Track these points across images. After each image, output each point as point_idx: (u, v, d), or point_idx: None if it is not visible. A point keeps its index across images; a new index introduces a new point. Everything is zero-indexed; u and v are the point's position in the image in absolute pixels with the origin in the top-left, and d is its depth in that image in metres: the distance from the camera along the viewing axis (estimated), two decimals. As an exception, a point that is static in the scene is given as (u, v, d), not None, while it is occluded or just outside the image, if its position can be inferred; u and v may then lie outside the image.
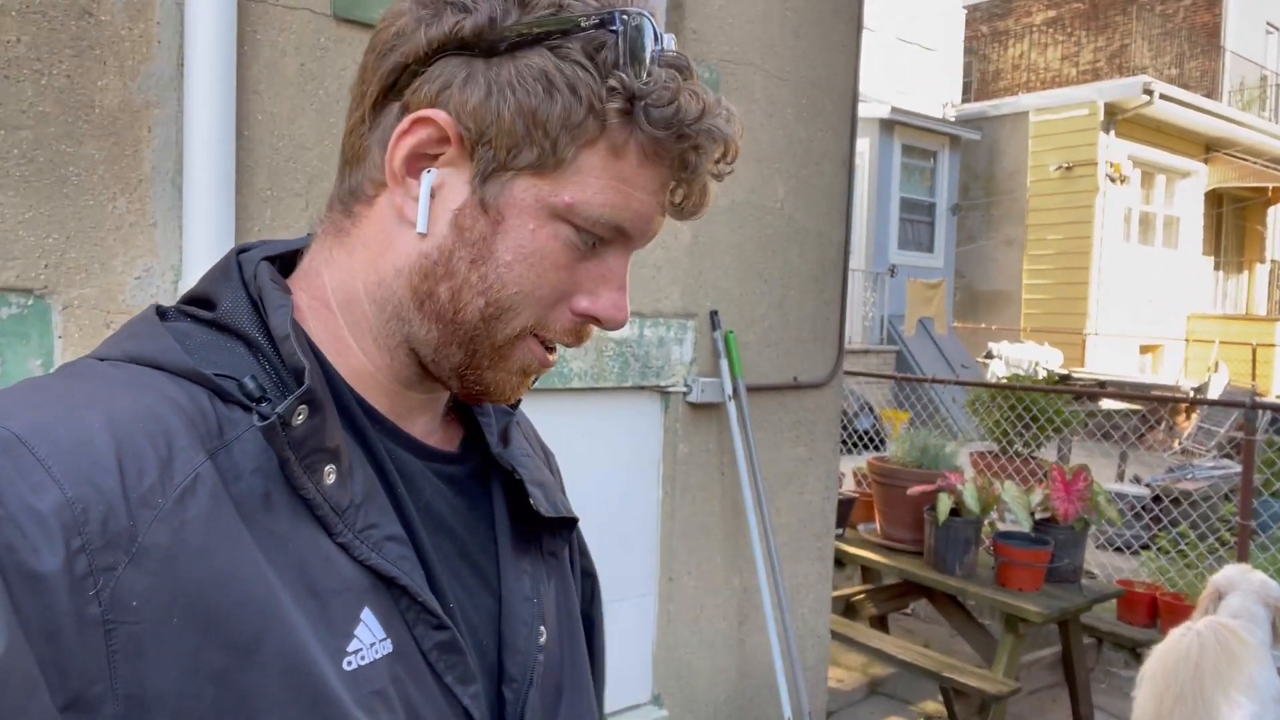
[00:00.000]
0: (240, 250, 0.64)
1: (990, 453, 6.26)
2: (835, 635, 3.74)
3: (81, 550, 0.45)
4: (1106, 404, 8.10)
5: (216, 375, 0.55)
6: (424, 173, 0.59)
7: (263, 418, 0.52)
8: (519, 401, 0.77)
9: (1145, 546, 5.33)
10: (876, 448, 8.02)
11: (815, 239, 3.16)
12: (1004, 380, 7.81)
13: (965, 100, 15.66)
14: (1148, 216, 13.91)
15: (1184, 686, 2.23)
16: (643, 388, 2.76)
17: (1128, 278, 13.23)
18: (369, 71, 0.61)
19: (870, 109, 11.34)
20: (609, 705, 2.65)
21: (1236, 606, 2.90)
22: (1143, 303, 13.54)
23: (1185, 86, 14.10)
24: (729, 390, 2.84)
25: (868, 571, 4.35)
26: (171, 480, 0.49)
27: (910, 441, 4.10)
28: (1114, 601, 4.26)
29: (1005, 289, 13.73)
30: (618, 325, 0.64)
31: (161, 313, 0.59)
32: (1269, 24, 16.84)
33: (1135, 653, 4.19)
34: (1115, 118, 12.68)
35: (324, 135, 2.04)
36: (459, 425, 0.72)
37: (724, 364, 2.84)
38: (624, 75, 0.57)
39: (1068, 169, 12.92)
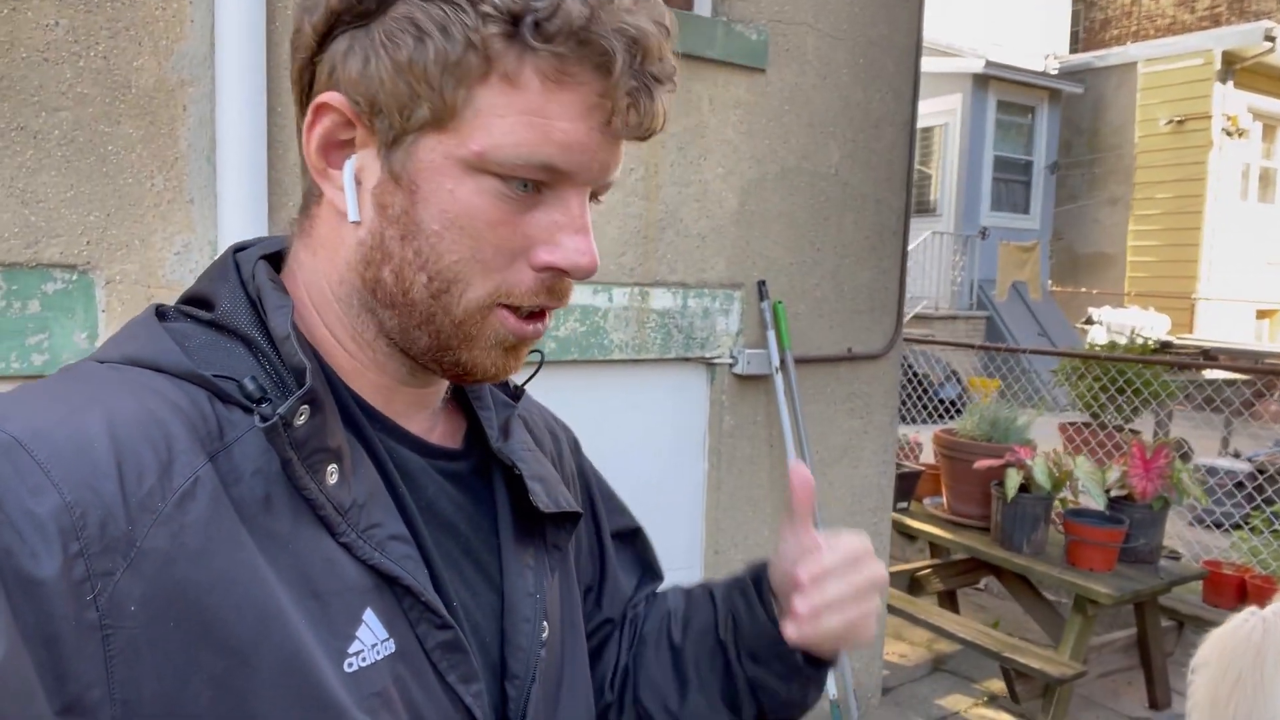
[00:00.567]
0: (237, 249, 0.64)
1: (1082, 424, 6.00)
2: (896, 611, 3.67)
3: (80, 555, 0.45)
4: (1210, 373, 7.66)
5: (216, 376, 0.54)
6: (347, 161, 0.58)
7: (264, 419, 0.52)
8: (521, 393, 0.77)
9: (1239, 526, 5.04)
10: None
11: (873, 205, 3.05)
12: (1098, 349, 7.45)
13: (1074, 51, 14.85)
14: (1268, 172, 13.00)
15: (1242, 672, 2.10)
16: (687, 359, 2.72)
17: (1244, 238, 12.41)
18: (290, 79, 0.61)
19: (963, 63, 10.88)
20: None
21: (1326, 594, 2.72)
22: (1261, 264, 12.70)
23: (1315, 31, 13.05)
24: (776, 362, 2.78)
25: (936, 547, 4.24)
26: (171, 484, 0.49)
27: (980, 414, 3.95)
28: (1199, 583, 4.05)
29: (1108, 251, 13.07)
30: (585, 271, 0.59)
31: (161, 313, 0.59)
32: None
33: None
34: (1233, 67, 11.82)
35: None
36: (460, 419, 0.71)
37: (771, 335, 2.78)
38: None
39: (1179, 123, 12.14)
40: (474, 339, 0.59)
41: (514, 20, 0.52)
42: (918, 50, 3.08)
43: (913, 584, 4.00)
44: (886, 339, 3.14)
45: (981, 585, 4.79)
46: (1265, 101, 12.39)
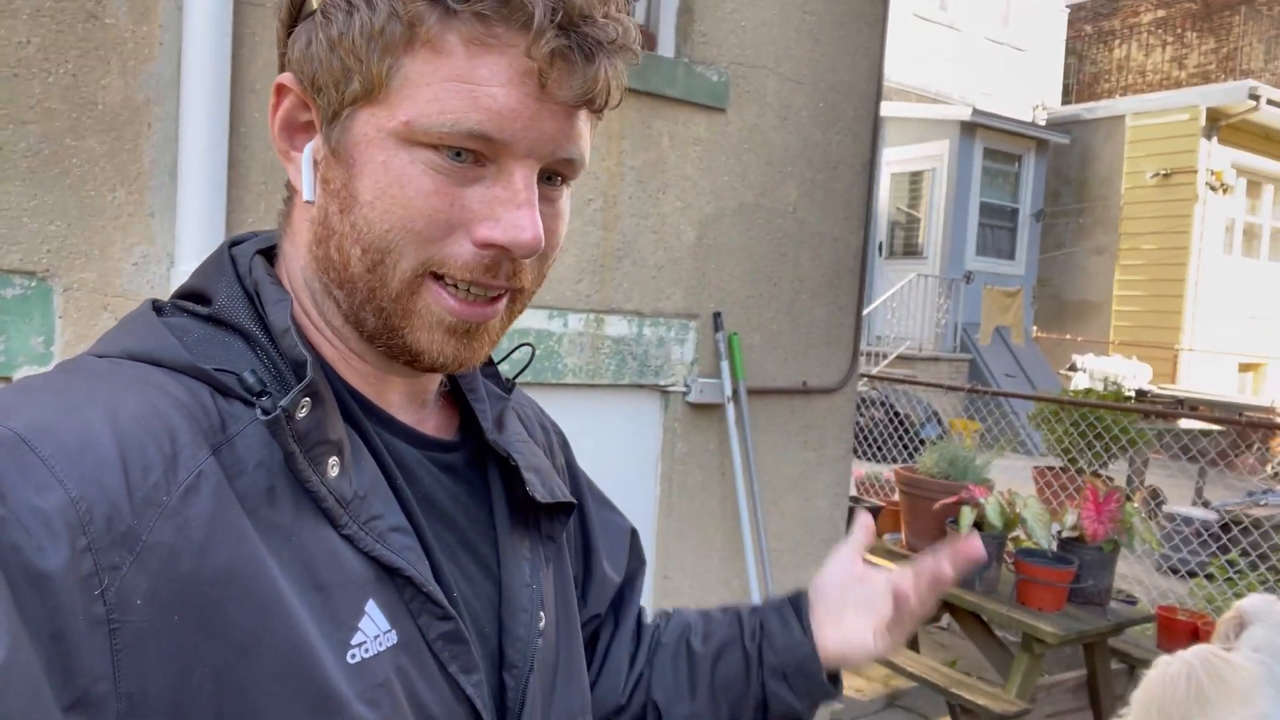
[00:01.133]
0: (233, 243, 0.64)
1: (1060, 469, 6.06)
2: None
3: (87, 550, 0.45)
4: (1185, 423, 7.74)
5: (216, 370, 0.55)
6: (308, 144, 0.59)
7: (266, 412, 0.52)
8: (513, 386, 0.78)
9: (1199, 573, 5.09)
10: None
11: (830, 243, 3.14)
12: (1073, 395, 7.53)
13: (1065, 102, 15.10)
14: (1252, 227, 13.18)
15: (1169, 713, 2.15)
16: (641, 386, 2.79)
17: (1227, 291, 12.56)
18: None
19: (951, 110, 11.06)
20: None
21: (1260, 639, 2.75)
22: (1244, 318, 12.83)
23: (1300, 91, 13.30)
24: (729, 392, 2.85)
25: (896, 582, 4.27)
26: (175, 477, 0.49)
27: (940, 452, 4.02)
28: (1154, 627, 4.09)
29: (1094, 299, 13.21)
30: (526, 248, 0.56)
31: (158, 308, 0.59)
32: (1401, 25, 15.74)
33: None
34: (1218, 123, 12.05)
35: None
36: (454, 412, 0.72)
37: (725, 366, 2.85)
38: None
39: (1165, 176, 12.33)
40: (412, 315, 0.58)
41: None
42: (878, 96, 3.18)
43: (870, 619, 4.03)
44: (842, 374, 3.21)
45: (944, 624, 4.82)
46: (1250, 158, 12.60)
